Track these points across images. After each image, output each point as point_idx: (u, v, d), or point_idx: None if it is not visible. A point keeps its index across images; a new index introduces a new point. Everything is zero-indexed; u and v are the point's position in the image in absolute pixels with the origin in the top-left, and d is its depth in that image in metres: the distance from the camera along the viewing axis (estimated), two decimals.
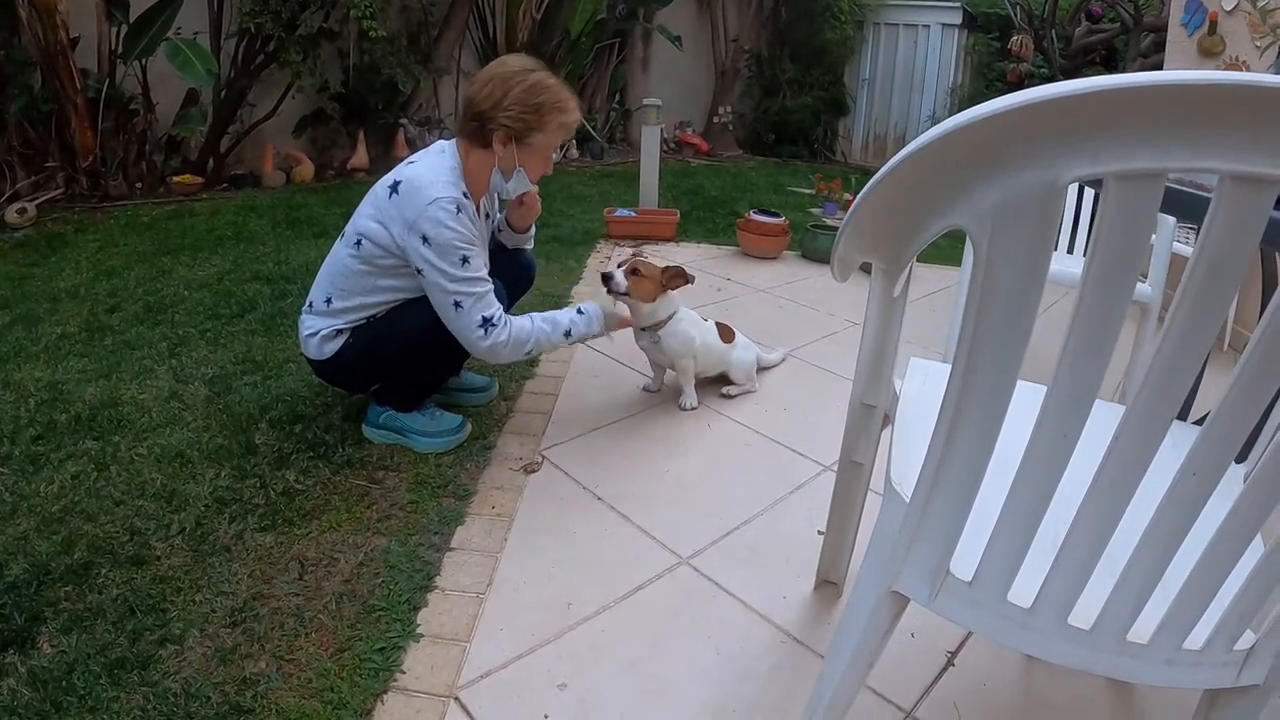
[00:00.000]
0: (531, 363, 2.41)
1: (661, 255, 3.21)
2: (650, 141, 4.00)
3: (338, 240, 1.81)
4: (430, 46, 5.09)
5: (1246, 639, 0.78)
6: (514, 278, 2.02)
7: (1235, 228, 0.59)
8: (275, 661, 1.25)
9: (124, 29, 3.77)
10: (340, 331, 1.79)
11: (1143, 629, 0.76)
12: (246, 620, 1.33)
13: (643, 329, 2.13)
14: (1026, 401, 0.74)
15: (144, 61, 3.86)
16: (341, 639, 1.31)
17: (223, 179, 4.38)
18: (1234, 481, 0.83)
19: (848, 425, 1.29)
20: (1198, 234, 0.61)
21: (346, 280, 1.77)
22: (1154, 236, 2.29)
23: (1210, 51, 3.14)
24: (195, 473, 1.73)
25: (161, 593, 1.38)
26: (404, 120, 4.99)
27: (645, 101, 4.04)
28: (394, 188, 1.71)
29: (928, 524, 0.82)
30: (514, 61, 1.78)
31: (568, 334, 1.89)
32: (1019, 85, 4.83)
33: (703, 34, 6.74)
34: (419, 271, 1.69)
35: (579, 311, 1.93)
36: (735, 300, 3.19)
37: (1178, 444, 0.70)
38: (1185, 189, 0.94)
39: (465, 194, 1.72)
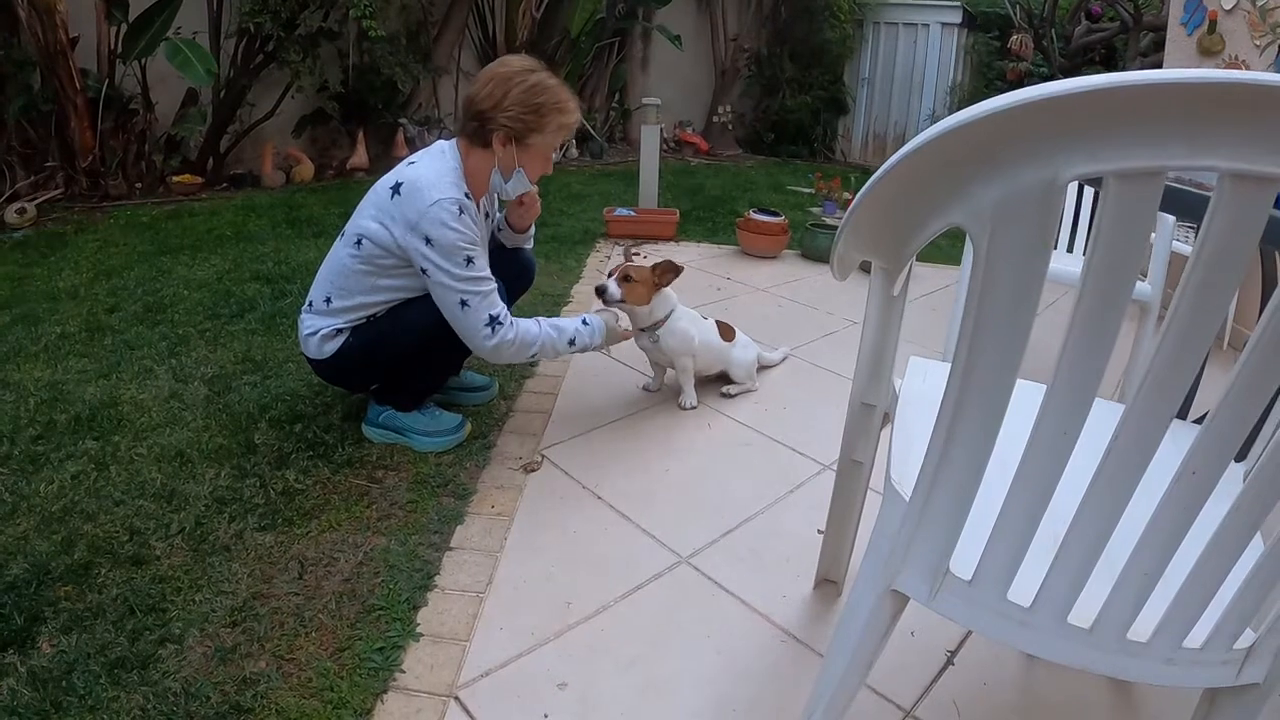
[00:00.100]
0: (531, 362, 2.40)
1: (661, 255, 3.20)
2: (650, 141, 4.00)
3: (337, 240, 1.81)
4: (430, 46, 5.10)
5: (1246, 638, 0.78)
6: (514, 277, 2.02)
7: (1235, 226, 0.59)
8: (275, 661, 1.25)
9: (124, 29, 3.77)
10: (340, 331, 1.79)
11: (1142, 628, 0.76)
12: (246, 620, 1.33)
13: (642, 329, 2.13)
14: (1026, 400, 0.74)
15: (143, 61, 3.85)
16: (341, 638, 1.31)
17: (222, 179, 4.38)
18: (1233, 480, 0.83)
19: (847, 424, 1.29)
20: (1197, 232, 0.61)
21: (346, 280, 1.77)
22: (1153, 235, 2.29)
23: (1210, 50, 3.15)
24: (195, 472, 1.73)
25: (161, 592, 1.38)
26: (403, 120, 4.99)
27: (645, 101, 4.04)
28: (396, 188, 1.71)
29: (927, 523, 0.82)
30: (515, 62, 1.77)
31: (572, 342, 1.90)
32: (1018, 84, 4.80)
33: (702, 33, 6.74)
34: (424, 272, 1.69)
35: (584, 322, 1.94)
36: (735, 299, 3.19)
37: (1177, 443, 0.70)
38: (1185, 187, 0.94)
39: (467, 194, 1.72)
